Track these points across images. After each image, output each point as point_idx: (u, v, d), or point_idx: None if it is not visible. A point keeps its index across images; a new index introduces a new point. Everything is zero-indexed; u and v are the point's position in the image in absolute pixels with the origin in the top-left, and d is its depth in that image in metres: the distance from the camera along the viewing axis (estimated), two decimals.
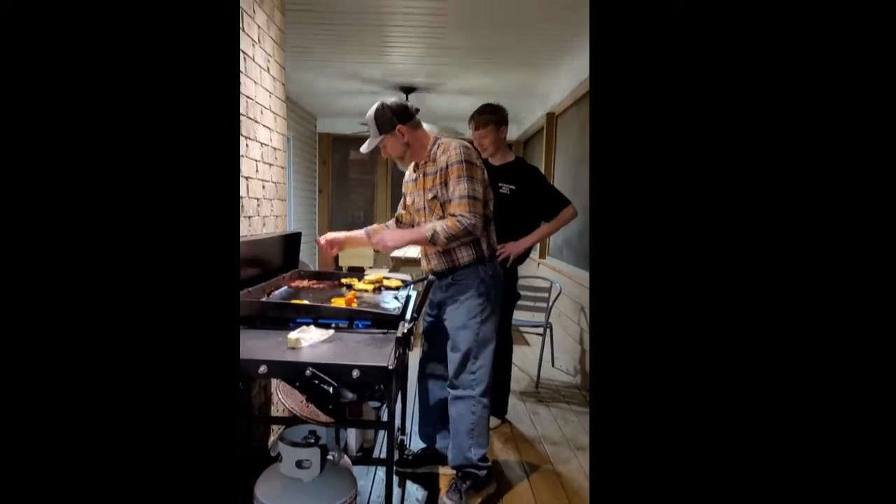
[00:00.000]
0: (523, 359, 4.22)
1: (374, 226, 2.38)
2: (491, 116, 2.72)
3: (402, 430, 2.53)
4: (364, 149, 2.14)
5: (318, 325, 1.68)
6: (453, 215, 1.98)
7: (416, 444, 2.65)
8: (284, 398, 1.43)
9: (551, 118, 5.02)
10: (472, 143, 2.39)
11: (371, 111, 2.09)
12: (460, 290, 2.11)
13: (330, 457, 1.64)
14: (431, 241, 2.00)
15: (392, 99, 2.14)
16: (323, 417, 1.42)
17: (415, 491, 2.27)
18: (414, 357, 2.59)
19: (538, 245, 5.28)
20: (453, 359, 2.15)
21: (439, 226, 1.99)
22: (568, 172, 4.56)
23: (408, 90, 5.13)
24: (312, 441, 1.60)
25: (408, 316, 1.81)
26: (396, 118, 2.05)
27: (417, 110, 2.12)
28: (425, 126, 2.16)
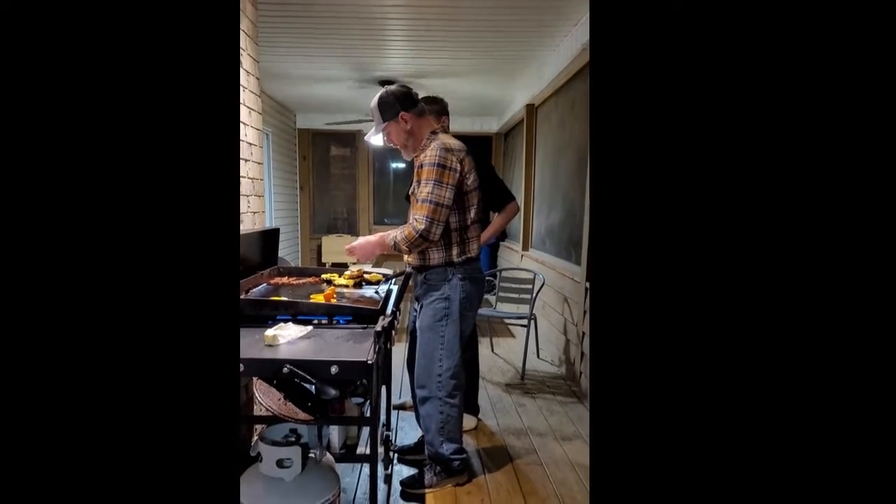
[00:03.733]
0: (508, 351, 4.22)
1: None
2: (434, 106, 2.69)
3: (388, 425, 2.51)
4: (368, 137, 2.12)
5: (298, 322, 1.65)
6: (414, 220, 1.99)
7: (401, 439, 2.64)
8: (262, 397, 1.40)
9: (531, 110, 5.01)
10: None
11: (375, 98, 2.07)
12: (429, 291, 2.11)
13: (312, 455, 1.61)
14: (395, 249, 2.04)
15: (396, 85, 2.12)
16: (302, 415, 1.40)
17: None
18: (398, 351, 2.57)
19: (521, 236, 5.29)
20: (420, 360, 2.15)
21: (399, 234, 2.01)
22: (548, 163, 4.55)
23: (387, 84, 5.07)
24: (293, 439, 1.57)
25: (388, 310, 1.79)
26: (400, 104, 2.03)
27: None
28: None
